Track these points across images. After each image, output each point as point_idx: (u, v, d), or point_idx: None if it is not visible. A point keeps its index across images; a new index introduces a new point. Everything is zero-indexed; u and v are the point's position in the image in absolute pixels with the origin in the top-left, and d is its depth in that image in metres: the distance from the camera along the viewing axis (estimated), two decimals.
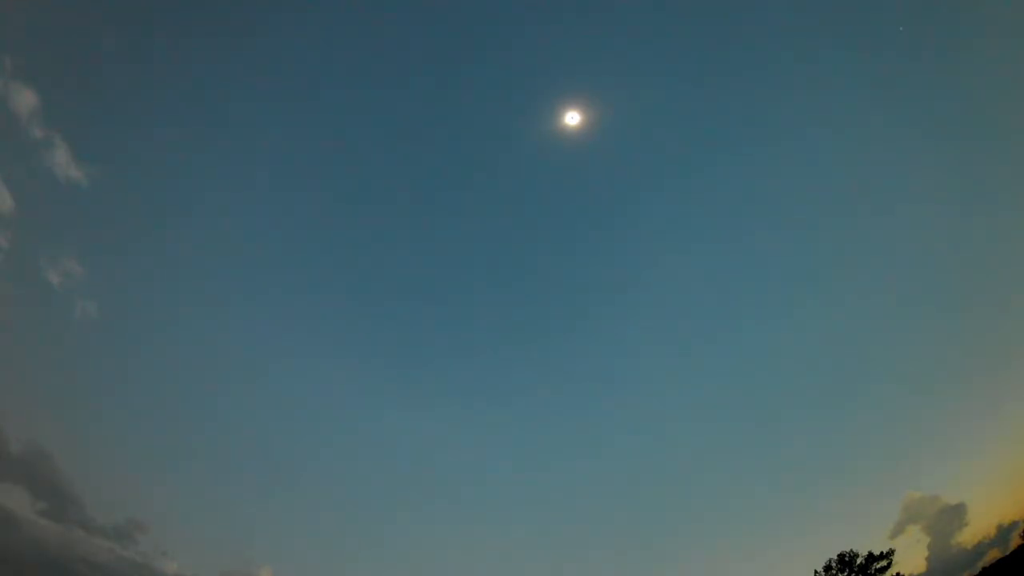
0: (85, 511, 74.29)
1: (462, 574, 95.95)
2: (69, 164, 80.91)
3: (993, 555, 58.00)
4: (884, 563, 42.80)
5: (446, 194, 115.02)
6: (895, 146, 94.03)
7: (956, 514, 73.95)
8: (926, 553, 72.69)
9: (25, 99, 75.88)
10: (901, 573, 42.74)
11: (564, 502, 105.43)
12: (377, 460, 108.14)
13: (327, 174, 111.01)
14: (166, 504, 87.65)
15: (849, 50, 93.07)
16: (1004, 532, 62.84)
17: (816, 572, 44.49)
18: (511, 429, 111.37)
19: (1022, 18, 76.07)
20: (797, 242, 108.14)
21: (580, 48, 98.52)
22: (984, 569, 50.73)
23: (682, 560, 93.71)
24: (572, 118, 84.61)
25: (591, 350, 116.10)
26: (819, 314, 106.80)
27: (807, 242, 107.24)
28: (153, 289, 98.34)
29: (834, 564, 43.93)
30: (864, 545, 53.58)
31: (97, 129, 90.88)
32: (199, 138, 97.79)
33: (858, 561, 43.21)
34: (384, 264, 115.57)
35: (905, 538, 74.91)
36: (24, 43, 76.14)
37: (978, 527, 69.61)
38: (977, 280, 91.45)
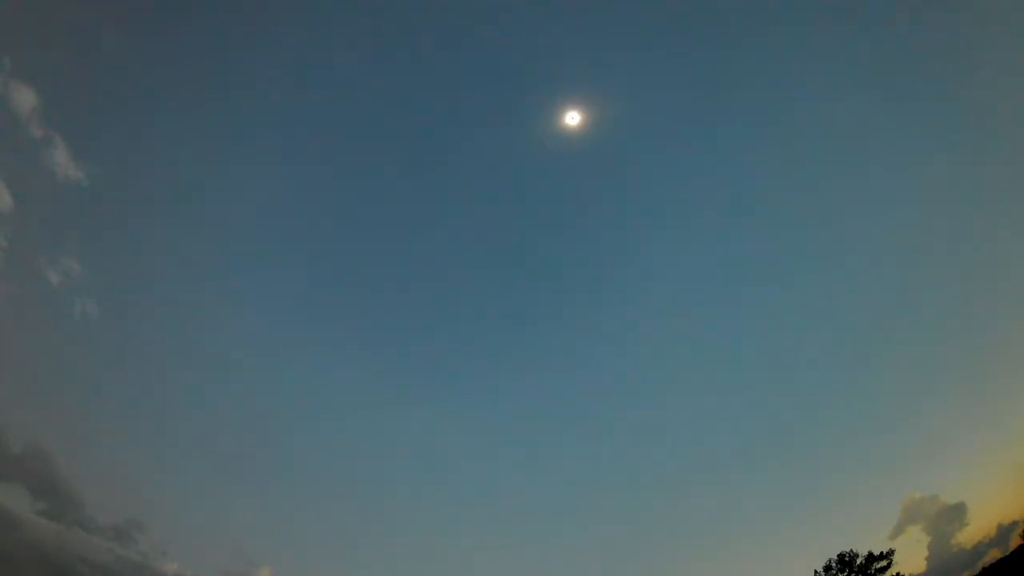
0: (85, 511, 74.19)
1: (462, 572, 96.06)
2: (69, 164, 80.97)
3: (993, 555, 57.94)
4: (884, 563, 42.69)
5: (446, 194, 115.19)
6: (896, 145, 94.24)
7: (956, 514, 74.02)
8: (926, 553, 72.85)
9: (25, 99, 75.90)
10: (901, 573, 42.65)
11: (563, 501, 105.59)
12: (377, 459, 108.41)
13: (326, 173, 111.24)
14: (166, 504, 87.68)
15: (848, 49, 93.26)
16: (1004, 532, 62.85)
17: (816, 572, 44.39)
18: (511, 426, 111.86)
19: (1022, 16, 76.13)
20: (796, 242, 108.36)
21: (580, 48, 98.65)
22: (984, 569, 50.56)
23: (681, 559, 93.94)
24: (572, 118, 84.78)
25: (590, 348, 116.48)
26: (819, 314, 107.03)
27: (806, 242, 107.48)
28: (153, 289, 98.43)
29: (834, 564, 43.82)
30: (864, 545, 53.64)
31: (97, 129, 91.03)
32: (199, 138, 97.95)
33: (858, 561, 43.09)
34: (383, 263, 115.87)
35: (905, 538, 75.06)
36: (24, 43, 76.21)
37: (978, 527, 69.68)
38: (978, 280, 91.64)
